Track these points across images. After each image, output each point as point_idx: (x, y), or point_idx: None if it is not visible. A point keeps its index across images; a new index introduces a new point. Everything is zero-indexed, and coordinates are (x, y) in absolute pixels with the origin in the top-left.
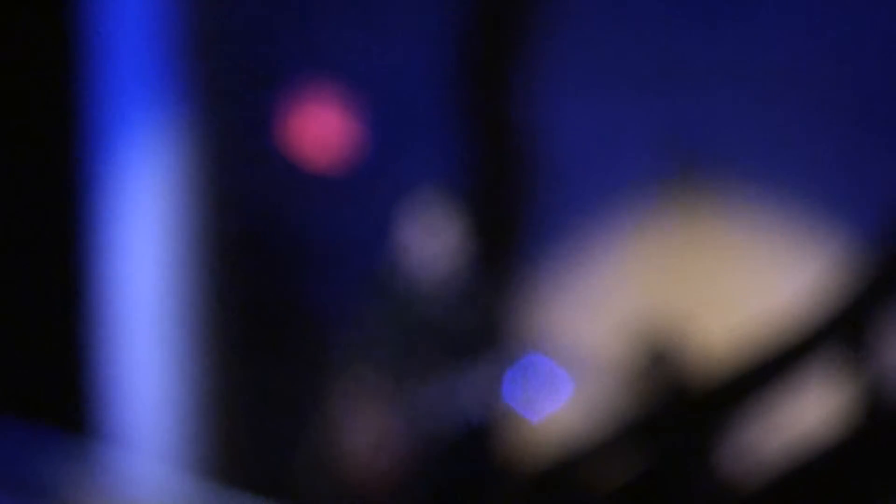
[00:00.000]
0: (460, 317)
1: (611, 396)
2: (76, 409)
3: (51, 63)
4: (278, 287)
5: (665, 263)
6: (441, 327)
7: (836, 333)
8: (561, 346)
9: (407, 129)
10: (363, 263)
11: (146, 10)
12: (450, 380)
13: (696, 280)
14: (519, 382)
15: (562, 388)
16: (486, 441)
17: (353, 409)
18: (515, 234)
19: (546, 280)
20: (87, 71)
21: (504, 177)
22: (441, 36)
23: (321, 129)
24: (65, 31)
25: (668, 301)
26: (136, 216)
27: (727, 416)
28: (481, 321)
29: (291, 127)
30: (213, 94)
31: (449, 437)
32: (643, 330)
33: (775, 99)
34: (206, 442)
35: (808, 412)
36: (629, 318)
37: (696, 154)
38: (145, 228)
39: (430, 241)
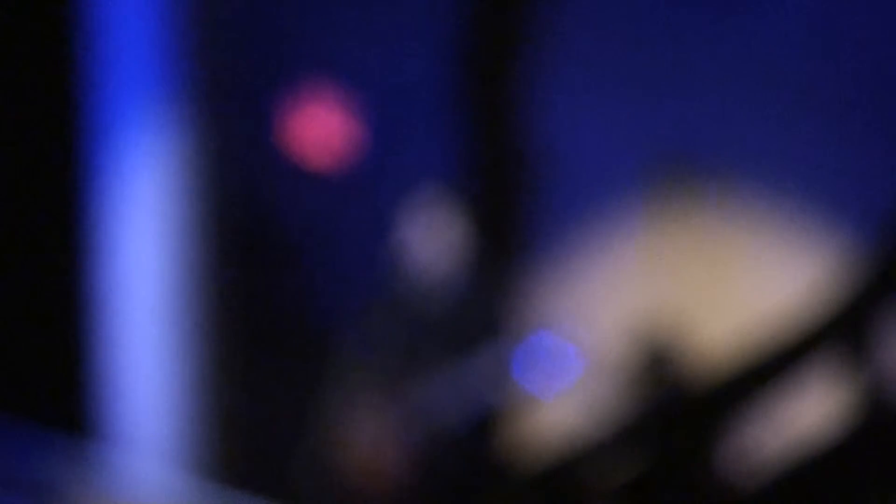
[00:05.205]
0: (461, 314)
1: (611, 396)
2: (76, 409)
3: (51, 62)
4: (278, 286)
5: (665, 263)
6: (442, 325)
7: (836, 333)
8: (560, 345)
9: (407, 128)
10: (364, 262)
11: (146, 9)
12: (451, 378)
13: (696, 280)
14: (519, 378)
15: (561, 380)
16: (487, 439)
17: (354, 408)
18: (515, 233)
19: (545, 280)
20: (87, 69)
21: (504, 176)
22: (441, 35)
23: (321, 128)
24: (65, 29)
25: (668, 301)
26: (137, 216)
27: (727, 416)
28: (482, 319)
29: (292, 126)
30: (214, 93)
31: (450, 435)
32: (643, 330)
33: (775, 99)
34: (206, 442)
35: (808, 412)
36: (629, 318)
37: (696, 154)
38: (145, 228)
39: (431, 239)
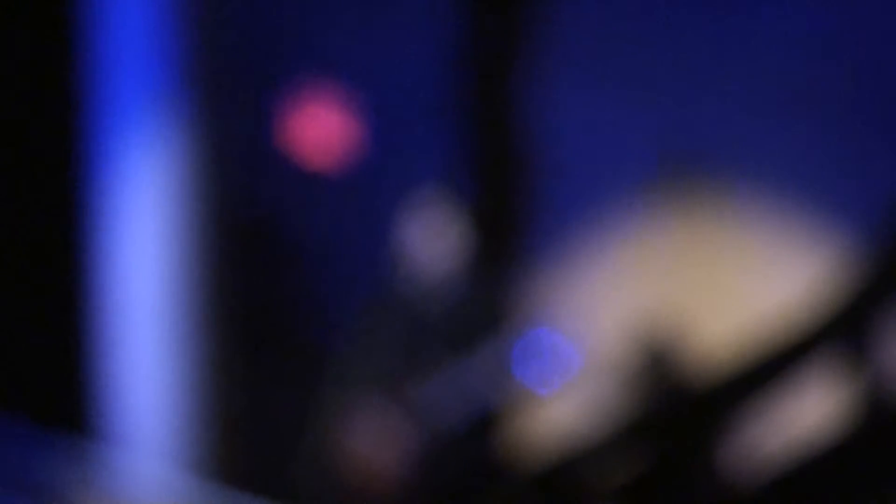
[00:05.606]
0: (461, 314)
1: (611, 396)
2: (76, 409)
3: (51, 62)
4: (279, 286)
5: (665, 263)
6: (442, 325)
7: (836, 333)
8: (560, 345)
9: (407, 129)
10: (364, 262)
11: (147, 9)
12: (451, 377)
13: (696, 280)
14: (519, 377)
15: (561, 380)
16: (487, 439)
17: (354, 408)
18: (515, 233)
19: (545, 279)
20: (87, 69)
21: (504, 176)
22: (441, 35)
23: (321, 128)
24: (65, 29)
25: (667, 301)
26: (137, 216)
27: (727, 416)
28: (481, 319)
29: (292, 126)
30: (214, 93)
31: (450, 435)
32: (643, 330)
33: (775, 98)
34: (206, 442)
35: (808, 412)
36: (629, 318)
37: (696, 153)
38: (146, 228)
39: (431, 239)
